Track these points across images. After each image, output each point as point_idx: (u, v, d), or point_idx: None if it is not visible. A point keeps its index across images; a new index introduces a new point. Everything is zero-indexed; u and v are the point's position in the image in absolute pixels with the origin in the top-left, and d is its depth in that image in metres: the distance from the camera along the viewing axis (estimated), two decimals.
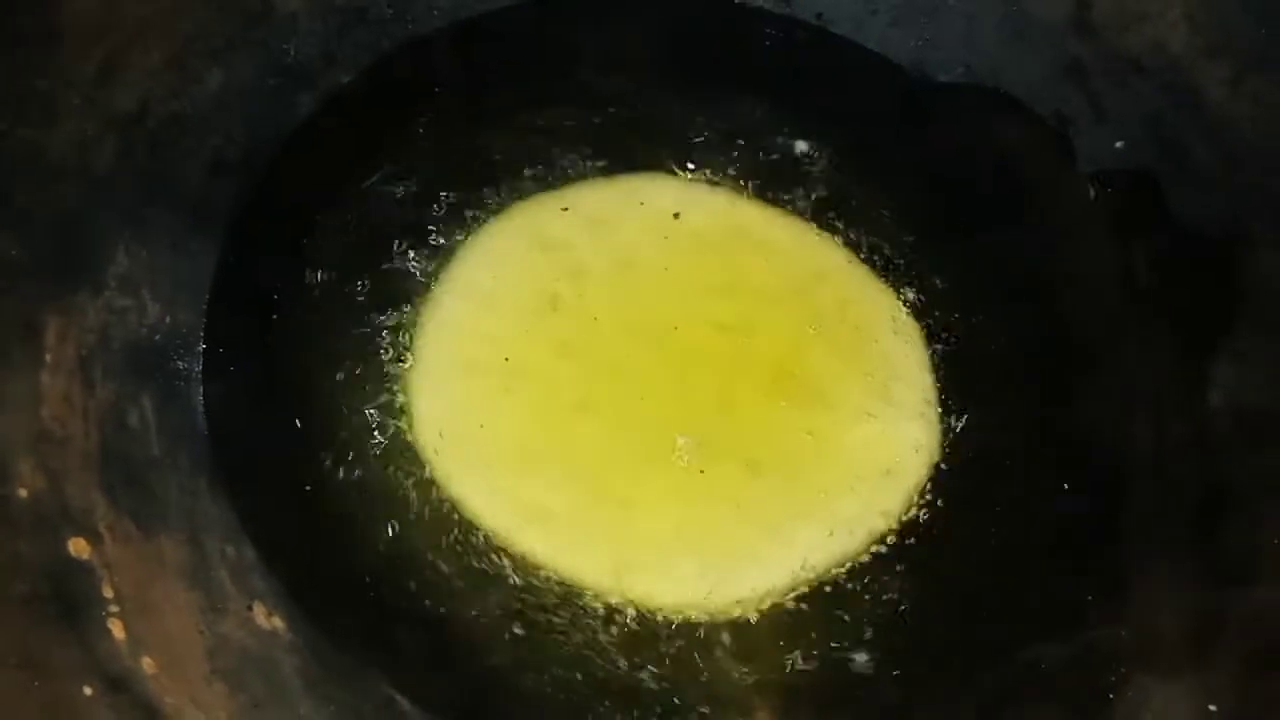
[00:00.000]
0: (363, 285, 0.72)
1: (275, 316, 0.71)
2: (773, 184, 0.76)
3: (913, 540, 0.67)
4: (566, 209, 0.74)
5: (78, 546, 0.58)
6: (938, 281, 0.73)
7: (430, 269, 0.73)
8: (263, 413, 0.68)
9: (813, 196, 0.75)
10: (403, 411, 0.69)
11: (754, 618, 0.65)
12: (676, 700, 0.63)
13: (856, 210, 0.75)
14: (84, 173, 0.65)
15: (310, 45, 0.76)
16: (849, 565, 0.66)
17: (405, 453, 0.68)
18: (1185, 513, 0.65)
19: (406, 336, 0.71)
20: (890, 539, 0.67)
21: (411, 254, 0.73)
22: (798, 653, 0.64)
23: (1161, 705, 0.59)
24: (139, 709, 0.55)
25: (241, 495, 0.65)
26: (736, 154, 0.76)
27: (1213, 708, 0.58)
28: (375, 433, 0.68)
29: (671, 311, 0.72)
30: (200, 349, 0.68)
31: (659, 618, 0.65)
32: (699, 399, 0.70)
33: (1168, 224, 0.72)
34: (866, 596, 0.65)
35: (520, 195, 0.75)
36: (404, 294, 0.72)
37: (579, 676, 0.63)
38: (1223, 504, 0.65)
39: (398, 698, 0.62)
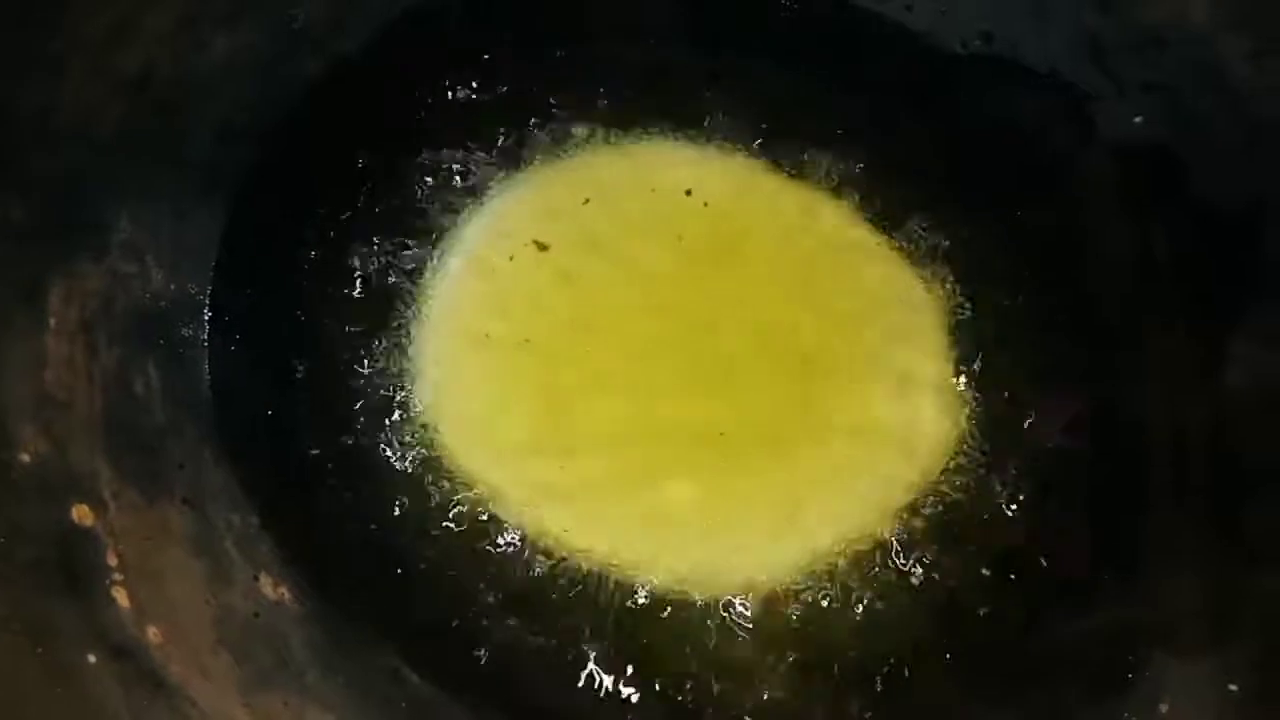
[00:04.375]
0: (370, 255, 0.71)
1: (281, 285, 0.70)
2: (787, 155, 0.75)
3: (932, 515, 0.66)
4: (588, 201, 0.73)
5: (81, 513, 0.57)
6: (955, 254, 0.72)
7: (439, 240, 0.72)
8: (268, 382, 0.67)
9: (828, 168, 0.74)
10: (412, 384, 0.68)
11: (771, 593, 0.64)
12: (688, 674, 0.62)
13: (873, 182, 0.74)
14: (89, 136, 0.64)
15: (318, 12, 0.74)
16: (869, 539, 0.65)
17: (414, 426, 0.67)
18: (1205, 490, 0.65)
19: (416, 308, 0.70)
20: (910, 513, 0.66)
21: (420, 224, 0.72)
22: (814, 627, 0.63)
23: (1181, 684, 0.59)
24: (143, 677, 0.54)
25: (246, 464, 0.65)
26: (751, 125, 0.75)
27: (1233, 687, 0.57)
28: (384, 405, 0.68)
29: (684, 285, 0.71)
30: (205, 316, 0.68)
31: (671, 594, 0.64)
32: (713, 374, 0.69)
33: (1187, 199, 0.70)
34: (886, 570, 0.64)
35: (532, 166, 0.74)
36: (413, 265, 0.71)
37: (590, 652, 0.62)
38: (1243, 482, 0.64)
39: (404, 669, 0.61)
